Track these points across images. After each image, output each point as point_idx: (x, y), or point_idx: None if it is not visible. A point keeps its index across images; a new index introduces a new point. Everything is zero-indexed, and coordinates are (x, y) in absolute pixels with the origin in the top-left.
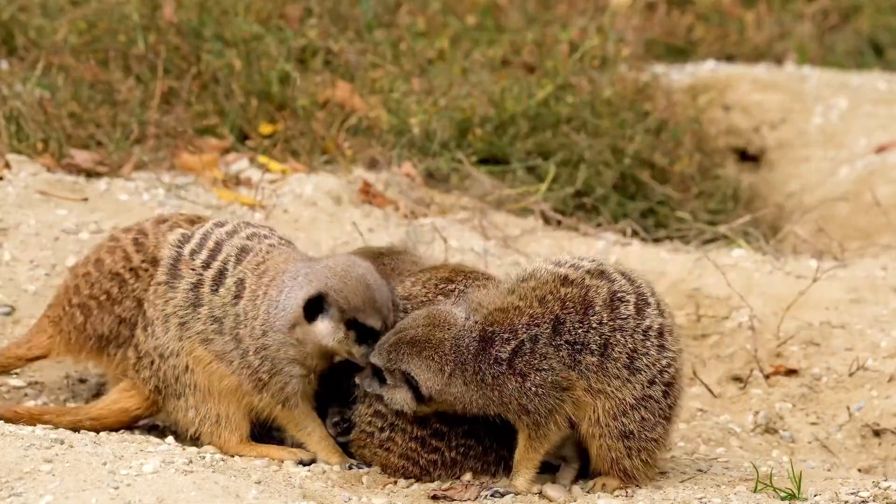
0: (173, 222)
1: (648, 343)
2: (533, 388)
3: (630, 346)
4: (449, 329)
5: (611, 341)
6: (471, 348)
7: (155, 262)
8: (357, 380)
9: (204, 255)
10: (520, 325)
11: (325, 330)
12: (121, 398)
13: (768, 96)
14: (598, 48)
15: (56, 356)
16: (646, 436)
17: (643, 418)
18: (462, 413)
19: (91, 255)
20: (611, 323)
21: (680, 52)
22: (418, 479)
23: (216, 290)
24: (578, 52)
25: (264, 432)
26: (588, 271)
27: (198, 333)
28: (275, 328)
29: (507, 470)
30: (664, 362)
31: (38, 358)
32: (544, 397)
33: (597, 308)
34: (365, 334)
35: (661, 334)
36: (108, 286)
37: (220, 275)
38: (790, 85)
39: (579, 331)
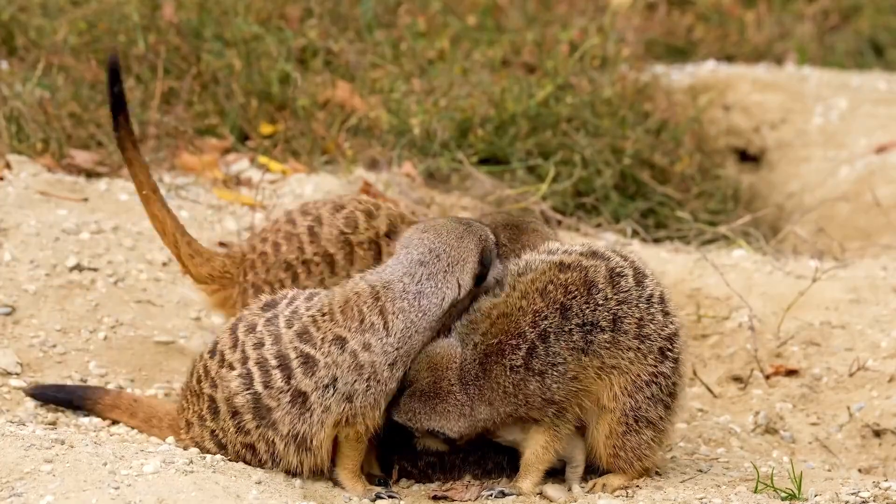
0: (349, 212)
1: (653, 310)
2: (553, 384)
3: (637, 315)
4: (451, 369)
5: (619, 315)
6: (480, 374)
7: (326, 255)
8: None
9: (279, 377)
10: (526, 327)
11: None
12: None
13: (768, 96)
14: (598, 48)
15: (207, 294)
16: (654, 413)
17: (653, 395)
18: (494, 427)
19: (269, 231)
20: (616, 297)
21: (680, 53)
22: (417, 481)
23: (312, 375)
24: (578, 52)
25: None
26: (582, 254)
27: (320, 424)
28: (420, 329)
29: (505, 476)
30: (672, 328)
31: (195, 279)
32: (564, 386)
33: (600, 286)
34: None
35: (662, 300)
36: (281, 276)
37: (309, 362)
38: (790, 85)
39: (587, 311)
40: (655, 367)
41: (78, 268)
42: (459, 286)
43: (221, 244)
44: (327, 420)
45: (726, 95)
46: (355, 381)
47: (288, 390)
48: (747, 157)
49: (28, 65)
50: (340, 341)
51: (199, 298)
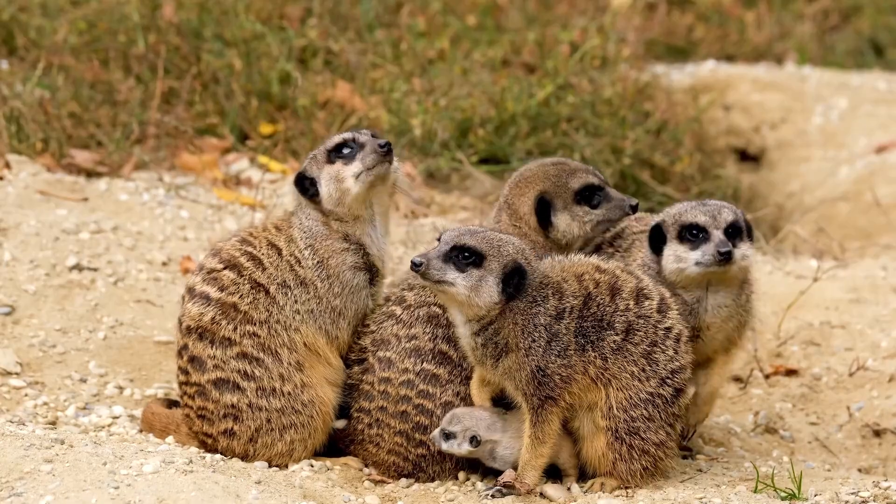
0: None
1: (668, 342)
2: (553, 352)
3: (651, 337)
4: (525, 247)
5: (634, 327)
6: (535, 280)
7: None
8: (419, 259)
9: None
10: (564, 293)
11: None
12: None
13: (768, 96)
14: (598, 48)
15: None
16: (649, 438)
17: (650, 416)
18: (497, 355)
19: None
20: (636, 310)
21: (680, 52)
22: (412, 476)
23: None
24: (579, 52)
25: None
26: (618, 266)
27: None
28: None
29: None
30: (678, 364)
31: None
32: (563, 365)
33: (624, 294)
34: None
35: (678, 340)
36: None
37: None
38: (790, 85)
39: (607, 309)
40: (654, 390)
41: (78, 268)
42: None
43: None
44: None
45: (726, 95)
46: None
47: (245, 282)
48: (747, 157)
49: (28, 65)
50: (275, 248)
51: None
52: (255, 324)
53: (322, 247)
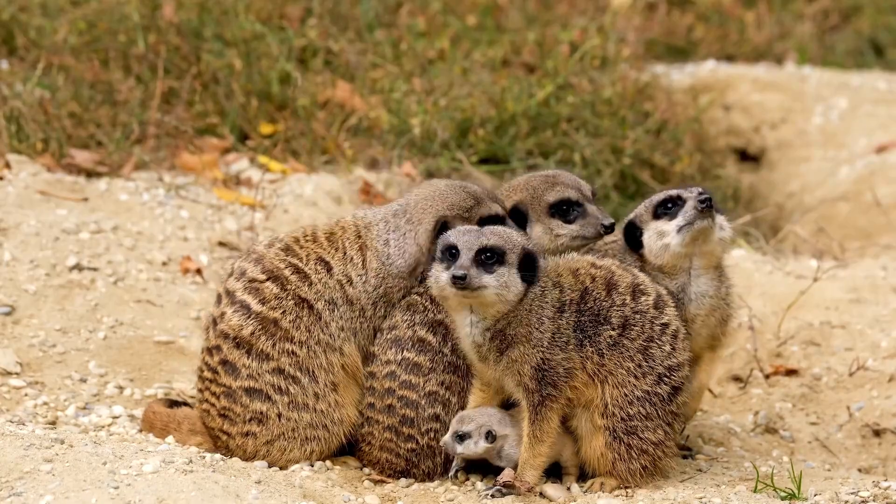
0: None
1: (665, 338)
2: (556, 347)
3: (648, 333)
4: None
5: (630, 322)
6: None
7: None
8: (461, 272)
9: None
10: (563, 287)
11: None
12: None
13: (768, 96)
14: (598, 48)
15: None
16: (647, 437)
17: (647, 414)
18: (504, 347)
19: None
20: (632, 305)
21: (680, 52)
22: (406, 472)
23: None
24: (579, 52)
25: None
26: (613, 263)
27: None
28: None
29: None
30: (675, 361)
31: None
32: (566, 358)
33: (620, 289)
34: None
35: (675, 336)
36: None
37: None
38: (790, 85)
39: (604, 304)
40: (651, 388)
41: (78, 268)
42: (419, 245)
43: (221, 244)
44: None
45: (726, 95)
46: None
47: (289, 298)
48: (747, 157)
49: (28, 65)
50: (325, 264)
51: (198, 298)
52: (294, 343)
53: (394, 283)
